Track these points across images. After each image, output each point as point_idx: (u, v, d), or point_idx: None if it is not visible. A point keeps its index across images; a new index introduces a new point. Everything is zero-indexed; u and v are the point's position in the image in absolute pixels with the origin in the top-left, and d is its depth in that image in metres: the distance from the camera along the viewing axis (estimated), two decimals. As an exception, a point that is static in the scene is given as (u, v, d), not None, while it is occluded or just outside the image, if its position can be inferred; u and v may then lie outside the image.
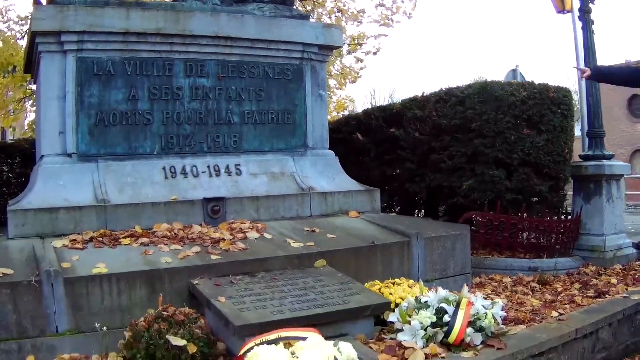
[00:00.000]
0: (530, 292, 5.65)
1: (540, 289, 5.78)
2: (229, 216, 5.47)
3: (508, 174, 6.99)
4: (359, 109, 13.02)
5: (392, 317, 4.12)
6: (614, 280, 6.03)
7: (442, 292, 4.21)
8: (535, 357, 3.94)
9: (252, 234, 5.10)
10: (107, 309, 4.06)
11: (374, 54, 13.65)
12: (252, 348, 3.07)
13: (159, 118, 5.64)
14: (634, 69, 6.03)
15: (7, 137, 23.30)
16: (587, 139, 7.75)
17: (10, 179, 7.87)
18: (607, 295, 5.40)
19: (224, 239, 4.86)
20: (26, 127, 14.17)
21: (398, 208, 8.76)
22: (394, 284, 4.71)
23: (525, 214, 6.84)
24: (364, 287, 4.50)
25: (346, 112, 14.40)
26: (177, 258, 4.45)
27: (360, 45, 13.47)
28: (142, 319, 3.73)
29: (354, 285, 4.43)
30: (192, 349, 3.59)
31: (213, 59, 5.91)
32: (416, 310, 4.03)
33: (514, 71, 11.77)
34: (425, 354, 3.59)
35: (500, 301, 4.23)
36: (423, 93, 7.99)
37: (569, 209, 7.65)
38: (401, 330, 3.95)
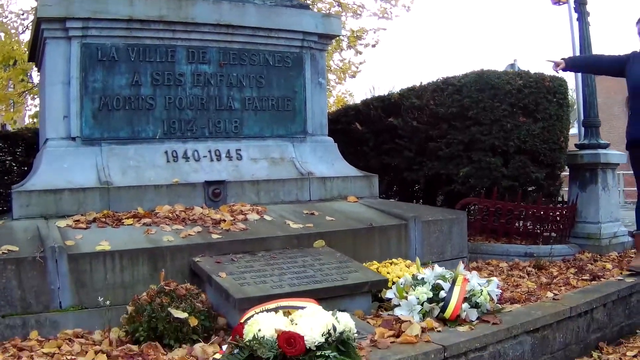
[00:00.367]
0: (526, 276, 5.73)
1: (536, 273, 5.86)
2: (229, 199, 5.56)
3: (504, 161, 7.06)
4: (359, 104, 13.08)
5: (389, 293, 4.20)
6: (609, 266, 6.11)
7: (439, 269, 4.30)
8: (530, 333, 4.02)
9: (253, 216, 5.19)
10: (110, 285, 4.14)
11: (373, 46, 13.78)
12: (252, 316, 3.14)
13: (162, 103, 5.74)
14: (613, 59, 5.97)
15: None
16: (582, 129, 7.82)
17: (13, 168, 7.93)
18: (602, 279, 5.47)
19: (224, 220, 4.95)
20: (27, 121, 14.22)
21: (397, 198, 8.83)
22: (391, 264, 4.81)
23: (522, 202, 6.91)
24: (362, 266, 4.59)
25: (346, 107, 14.46)
26: (178, 237, 4.54)
27: (360, 38, 13.56)
28: (144, 293, 3.82)
29: (352, 264, 4.52)
30: (194, 321, 3.67)
31: (215, 46, 6.00)
32: (413, 286, 4.12)
33: (512, 65, 11.87)
34: (421, 327, 3.65)
35: (495, 279, 4.31)
36: (421, 83, 8.06)
37: (566, 197, 7.73)
38: (398, 305, 4.05)
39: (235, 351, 2.97)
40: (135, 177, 5.38)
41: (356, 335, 3.17)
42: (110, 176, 5.25)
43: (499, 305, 4.26)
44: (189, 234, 4.62)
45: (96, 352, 3.50)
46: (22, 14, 12.27)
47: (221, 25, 5.95)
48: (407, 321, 3.75)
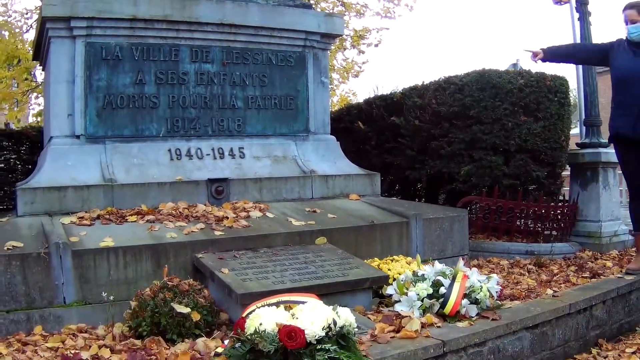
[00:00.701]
0: (527, 273, 5.77)
1: (536, 270, 5.90)
2: (232, 197, 5.60)
3: (505, 160, 7.10)
4: (363, 103, 13.14)
5: (389, 289, 4.24)
6: (609, 264, 6.13)
7: (439, 266, 4.33)
8: (529, 329, 4.05)
9: (255, 213, 5.24)
10: (114, 281, 4.19)
11: (376, 45, 13.83)
12: (253, 311, 3.19)
13: (165, 102, 5.79)
14: (595, 47, 5.82)
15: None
16: (584, 128, 7.84)
17: (17, 166, 7.98)
18: (602, 277, 5.50)
19: (227, 217, 5.00)
20: (31, 120, 14.29)
21: (400, 196, 8.87)
22: (392, 260, 4.85)
23: (523, 200, 6.95)
24: (363, 262, 4.63)
25: (350, 106, 14.51)
26: (181, 234, 4.59)
27: (363, 38, 13.61)
28: (147, 289, 3.87)
29: (353, 261, 4.57)
30: (196, 316, 3.72)
31: (218, 46, 6.04)
32: (413, 282, 4.15)
33: (514, 65, 11.91)
34: (421, 323, 3.68)
35: (495, 276, 4.34)
36: (423, 82, 8.11)
37: (567, 196, 7.76)
38: (399, 301, 4.08)
39: (237, 345, 3.01)
40: (139, 174, 5.43)
41: (356, 329, 3.21)
42: (114, 174, 5.30)
43: (499, 302, 4.28)
44: (192, 231, 4.66)
45: (100, 347, 3.53)
46: (26, 13, 12.36)
47: (224, 25, 5.99)
48: (407, 317, 3.78)
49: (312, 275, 4.16)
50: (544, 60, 5.75)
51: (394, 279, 4.38)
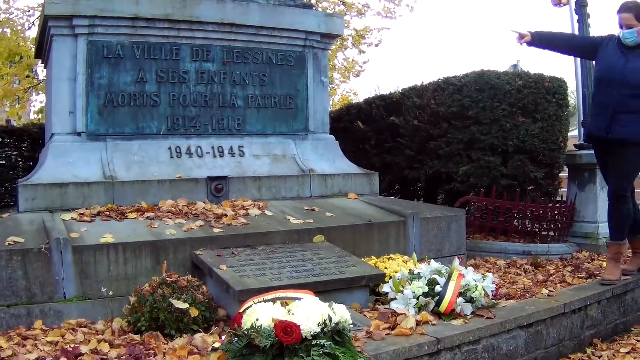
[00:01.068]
0: (523, 273, 5.81)
1: (533, 270, 5.94)
2: (231, 195, 5.65)
3: (503, 160, 7.15)
4: (363, 103, 13.19)
5: (385, 287, 4.29)
6: (605, 265, 6.16)
7: (435, 264, 4.38)
8: (523, 328, 4.10)
9: (254, 211, 5.28)
10: (114, 277, 4.24)
11: (376, 45, 13.91)
12: (250, 306, 3.24)
13: (166, 100, 5.83)
14: (586, 40, 5.59)
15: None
16: (582, 129, 7.87)
17: (19, 162, 8.03)
18: (597, 277, 5.53)
19: (226, 215, 5.04)
20: (32, 117, 14.34)
21: (399, 196, 8.91)
22: (389, 259, 4.90)
23: (520, 200, 6.99)
24: (360, 260, 4.68)
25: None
26: (181, 230, 4.64)
27: (363, 37, 13.67)
28: (146, 284, 3.93)
29: (350, 259, 4.62)
30: (194, 312, 3.77)
31: (218, 45, 6.09)
32: (409, 280, 4.20)
33: (514, 66, 11.91)
34: (416, 320, 3.72)
35: (490, 275, 4.39)
36: (422, 82, 8.15)
37: (564, 197, 7.79)
38: (394, 299, 4.13)
39: (234, 340, 3.06)
40: (139, 172, 5.47)
41: (352, 326, 3.26)
42: (114, 171, 5.35)
43: (494, 301, 4.32)
44: (191, 228, 4.71)
45: (99, 341, 3.58)
46: (28, 11, 12.41)
47: (225, 24, 6.03)
48: (402, 314, 3.82)
49: (309, 272, 4.21)
50: (529, 44, 5.46)
51: (391, 277, 4.43)
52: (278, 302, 3.26)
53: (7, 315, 3.91)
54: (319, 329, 3.00)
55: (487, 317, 3.97)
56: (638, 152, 5.04)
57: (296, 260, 4.44)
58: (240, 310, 3.25)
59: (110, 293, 4.08)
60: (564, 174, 7.95)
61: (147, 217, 4.86)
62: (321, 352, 2.94)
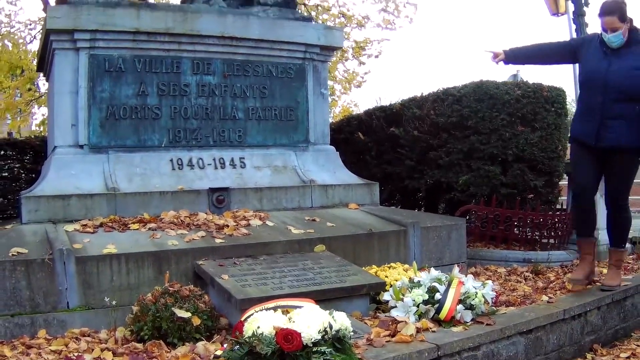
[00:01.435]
0: (524, 281, 5.82)
1: (533, 278, 5.95)
2: (233, 206, 5.69)
3: (503, 169, 7.19)
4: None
5: (386, 295, 4.32)
6: (605, 271, 6.17)
7: (435, 272, 4.41)
8: (523, 334, 4.11)
9: (255, 222, 5.32)
10: (116, 287, 4.28)
11: (376, 57, 13.97)
12: (252, 314, 3.28)
13: (167, 113, 5.89)
14: (559, 45, 5.30)
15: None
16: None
17: (21, 175, 8.09)
18: (597, 283, 5.56)
19: (228, 225, 5.09)
20: (33, 129, 14.41)
21: (399, 206, 8.95)
22: (389, 268, 4.93)
23: (520, 209, 7.02)
24: (361, 269, 4.72)
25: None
26: (183, 241, 4.68)
27: (363, 49, 13.75)
28: (149, 294, 3.96)
29: (351, 268, 4.65)
30: (196, 321, 3.81)
31: (219, 58, 6.16)
32: (409, 289, 4.23)
33: (514, 76, 11.94)
34: (416, 327, 3.75)
35: (490, 282, 4.42)
36: (422, 93, 8.22)
37: (564, 205, 7.83)
38: (395, 307, 4.16)
39: (236, 347, 3.09)
40: (141, 184, 5.53)
41: (352, 333, 3.30)
42: (117, 183, 5.40)
43: (494, 308, 4.34)
44: (193, 239, 4.75)
45: (102, 350, 3.62)
46: (30, 24, 12.52)
47: (225, 37, 6.10)
48: (402, 322, 3.85)
49: (310, 281, 4.25)
50: (506, 62, 5.34)
51: (391, 286, 4.45)
52: (279, 310, 3.30)
53: (11, 324, 3.95)
54: (319, 337, 3.04)
55: (487, 324, 3.99)
56: (633, 159, 5.01)
57: (297, 270, 4.48)
58: (242, 319, 3.29)
59: (114, 303, 4.13)
60: (564, 182, 7.99)
61: (149, 228, 4.90)
62: (322, 359, 2.97)
